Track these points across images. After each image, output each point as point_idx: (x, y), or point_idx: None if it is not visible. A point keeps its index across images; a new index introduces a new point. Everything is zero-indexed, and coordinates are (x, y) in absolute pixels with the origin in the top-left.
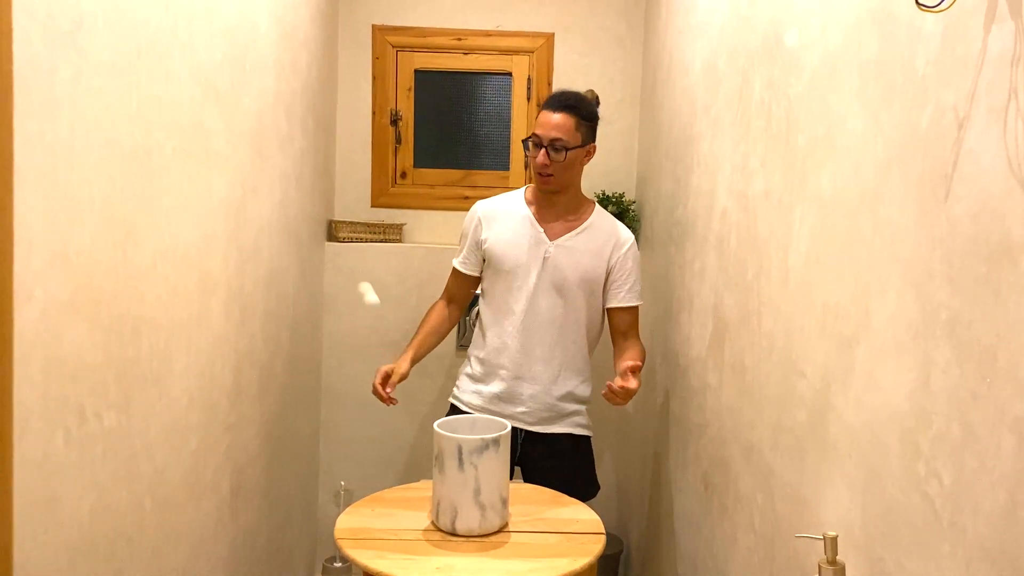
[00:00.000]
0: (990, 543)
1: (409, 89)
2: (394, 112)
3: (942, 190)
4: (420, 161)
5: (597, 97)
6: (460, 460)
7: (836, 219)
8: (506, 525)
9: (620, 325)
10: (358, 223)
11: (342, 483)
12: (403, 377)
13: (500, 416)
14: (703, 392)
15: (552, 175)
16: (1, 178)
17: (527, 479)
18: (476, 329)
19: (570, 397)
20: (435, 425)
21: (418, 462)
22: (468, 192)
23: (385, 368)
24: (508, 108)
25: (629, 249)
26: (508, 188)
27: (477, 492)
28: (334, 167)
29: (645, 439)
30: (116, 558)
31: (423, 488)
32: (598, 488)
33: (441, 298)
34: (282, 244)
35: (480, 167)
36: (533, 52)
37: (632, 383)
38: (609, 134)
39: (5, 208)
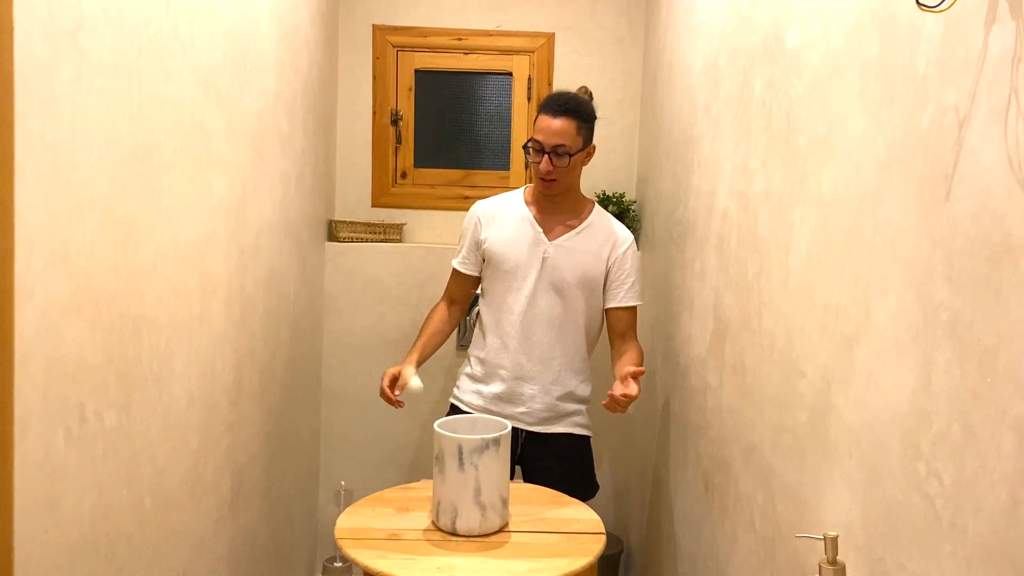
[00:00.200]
0: (991, 543)
1: (409, 89)
2: (394, 112)
3: (943, 190)
4: (420, 161)
5: (590, 93)
6: (460, 460)
7: (837, 219)
8: (506, 525)
9: (618, 326)
10: (358, 223)
11: (342, 483)
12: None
13: (500, 416)
14: (703, 392)
15: (555, 180)
16: (2, 178)
17: (527, 479)
18: (476, 329)
19: (570, 397)
20: (435, 425)
21: (418, 462)
22: (468, 192)
23: (392, 371)
24: (508, 108)
25: (628, 249)
26: (508, 188)
27: (477, 492)
28: (334, 167)
29: (646, 439)
30: (117, 557)
31: (423, 488)
32: (597, 488)
33: (442, 299)
34: (282, 244)
35: (480, 167)
36: (533, 52)
37: (633, 389)
38: (609, 134)
39: (6, 207)
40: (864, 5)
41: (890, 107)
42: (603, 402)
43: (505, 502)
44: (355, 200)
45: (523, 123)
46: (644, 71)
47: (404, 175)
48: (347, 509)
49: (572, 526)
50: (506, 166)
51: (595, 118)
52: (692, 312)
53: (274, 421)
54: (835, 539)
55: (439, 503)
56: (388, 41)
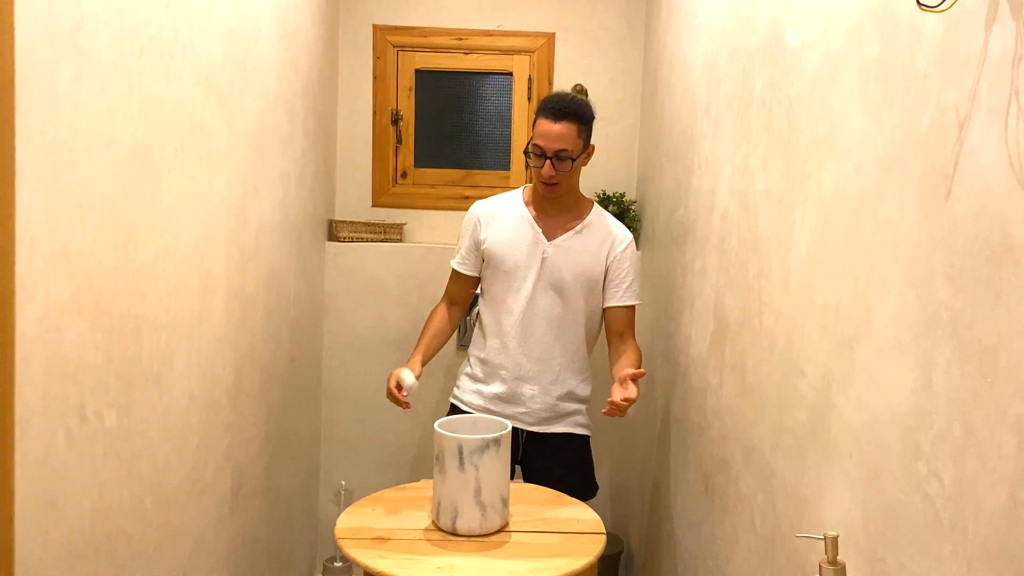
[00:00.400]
0: (991, 543)
1: (410, 89)
2: (395, 112)
3: (943, 190)
4: (421, 161)
5: (585, 90)
6: (461, 460)
7: (837, 219)
8: (507, 525)
9: (616, 325)
10: (359, 223)
11: (342, 482)
12: (417, 379)
13: (501, 416)
14: (704, 392)
15: (558, 184)
16: (3, 178)
17: (527, 479)
18: (476, 329)
19: (570, 396)
20: (436, 425)
21: (419, 462)
22: (469, 192)
23: (398, 372)
24: (509, 108)
25: (627, 248)
26: (509, 188)
27: (478, 492)
28: (335, 167)
29: (646, 439)
30: (117, 557)
31: (424, 488)
32: (597, 488)
33: (442, 301)
34: (283, 244)
35: (481, 167)
36: (534, 52)
37: (632, 391)
38: (610, 134)
39: (7, 207)
40: (864, 5)
41: (890, 107)
42: (603, 410)
43: (505, 502)
44: (355, 200)
45: (523, 123)
46: (644, 71)
47: (404, 175)
48: (347, 509)
49: (572, 526)
50: (506, 166)
51: (594, 118)
52: (692, 312)
53: (274, 421)
54: (835, 539)
55: (439, 503)
56: (388, 41)
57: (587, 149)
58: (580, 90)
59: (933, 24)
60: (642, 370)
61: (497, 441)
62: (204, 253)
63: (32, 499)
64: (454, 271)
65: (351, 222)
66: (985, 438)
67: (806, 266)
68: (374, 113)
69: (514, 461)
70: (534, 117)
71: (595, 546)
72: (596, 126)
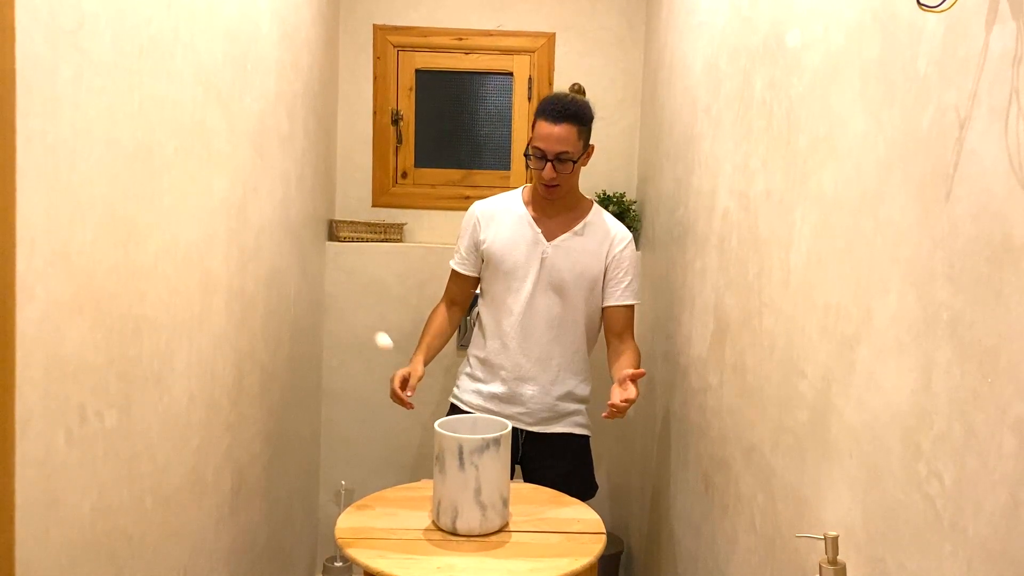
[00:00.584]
0: (991, 543)
1: (410, 89)
2: (395, 112)
3: (943, 190)
4: (421, 161)
5: (583, 89)
6: (461, 460)
7: (837, 219)
8: (507, 525)
9: (615, 325)
10: (359, 223)
11: (343, 482)
12: (420, 378)
13: (500, 416)
14: (704, 392)
15: (558, 185)
16: (3, 177)
17: (527, 479)
18: (476, 329)
19: (569, 397)
20: (436, 425)
21: (419, 462)
22: (469, 192)
23: (401, 372)
24: (509, 108)
25: (626, 248)
26: (509, 188)
27: (478, 492)
28: (335, 167)
29: (646, 439)
30: (117, 557)
31: (424, 488)
32: (596, 488)
33: (442, 301)
34: (283, 244)
35: (481, 167)
36: (534, 52)
37: (632, 392)
38: (610, 134)
39: (7, 207)
40: (865, 5)
41: (891, 107)
42: (603, 414)
43: (505, 502)
44: (356, 200)
45: (524, 123)
46: (645, 71)
47: (405, 175)
48: (347, 509)
49: (572, 526)
50: (507, 166)
51: (593, 118)
52: (692, 312)
53: (274, 421)
54: (835, 539)
55: (439, 503)
56: (389, 41)
57: (587, 150)
58: (578, 89)
59: (933, 24)
60: (641, 370)
61: (497, 441)
62: (204, 253)
63: (32, 498)
64: (454, 271)
65: (351, 222)
66: (985, 438)
67: (806, 266)
68: (374, 113)
69: (513, 461)
70: (533, 119)
71: (595, 546)
72: (596, 126)
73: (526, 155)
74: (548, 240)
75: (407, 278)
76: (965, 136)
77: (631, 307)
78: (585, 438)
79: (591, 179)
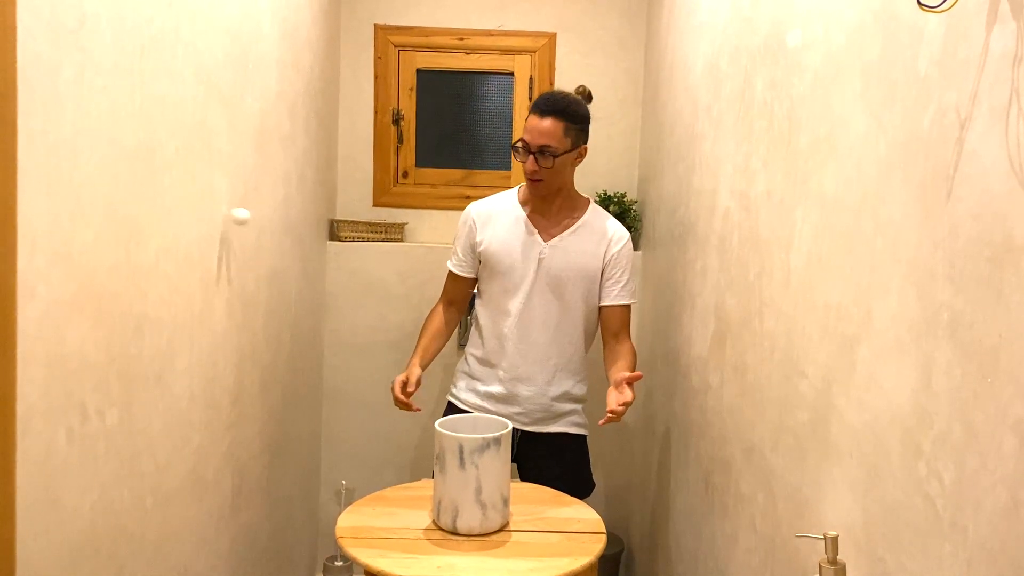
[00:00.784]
0: (991, 543)
1: (411, 88)
2: (396, 111)
3: (944, 191)
4: (422, 160)
5: (589, 93)
6: (461, 459)
7: (838, 219)
8: (507, 524)
9: (611, 324)
10: (360, 222)
11: (343, 482)
12: (419, 381)
13: (497, 415)
14: (704, 392)
15: (542, 180)
16: (5, 176)
17: (523, 477)
18: (473, 328)
19: (566, 397)
20: (436, 424)
21: (419, 461)
22: (470, 192)
23: (400, 378)
24: (510, 108)
25: (623, 247)
26: (510, 188)
27: (478, 491)
28: (336, 166)
29: (646, 439)
30: (118, 555)
31: (424, 487)
32: (593, 486)
33: (440, 302)
34: (284, 243)
35: (482, 167)
36: (535, 52)
37: (628, 395)
38: (611, 134)
39: (8, 206)
40: (865, 5)
41: (891, 107)
42: (600, 421)
43: (506, 501)
44: (356, 199)
45: (524, 123)
46: (646, 71)
47: (405, 175)
48: (348, 508)
49: (573, 526)
50: (507, 166)
51: (587, 119)
52: (693, 312)
53: (275, 420)
54: (835, 539)
55: (440, 502)
56: (390, 41)
57: (577, 149)
58: (582, 91)
59: (934, 24)
60: (638, 373)
61: (498, 440)
62: (205, 252)
63: (33, 497)
64: (451, 273)
65: (352, 222)
66: (985, 438)
67: (807, 266)
68: (375, 113)
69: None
70: (528, 114)
71: (595, 546)
72: (597, 126)
73: (514, 147)
74: (545, 240)
75: (408, 278)
76: (966, 136)
77: (628, 307)
78: (582, 437)
79: (592, 179)
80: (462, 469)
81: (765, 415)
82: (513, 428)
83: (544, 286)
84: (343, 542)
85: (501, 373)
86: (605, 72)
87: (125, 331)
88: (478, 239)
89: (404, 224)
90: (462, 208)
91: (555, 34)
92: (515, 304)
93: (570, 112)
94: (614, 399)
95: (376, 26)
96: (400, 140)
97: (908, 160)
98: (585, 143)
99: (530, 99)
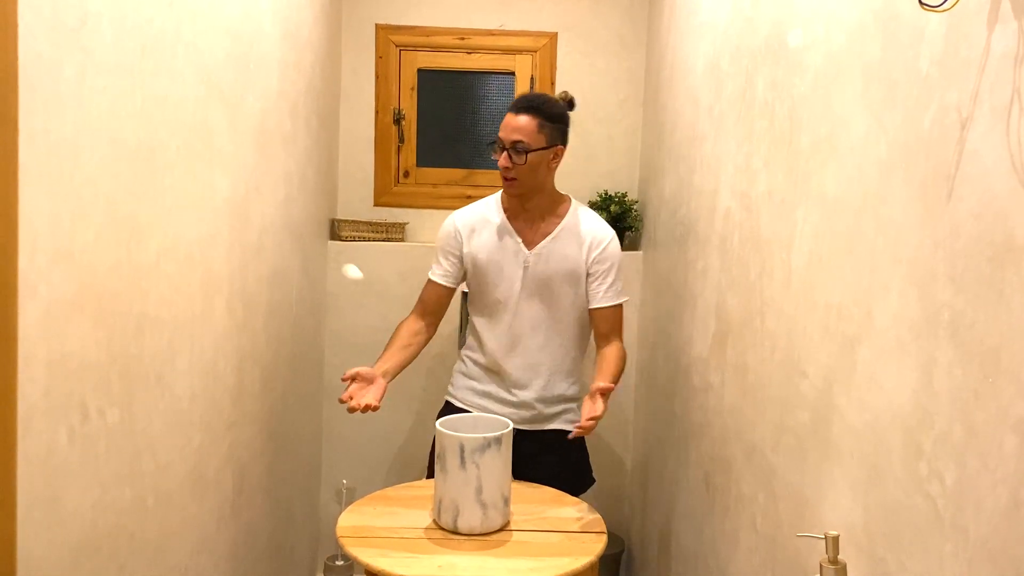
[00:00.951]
0: (992, 543)
1: (412, 88)
2: (397, 111)
3: (945, 190)
4: (423, 160)
5: (572, 99)
6: (462, 459)
7: (839, 219)
8: (508, 524)
9: (601, 326)
10: (361, 222)
11: (344, 481)
12: (376, 381)
13: (494, 414)
14: (705, 392)
15: (515, 179)
16: (6, 175)
17: (518, 472)
18: (468, 331)
19: (560, 399)
20: (437, 424)
21: (420, 461)
22: (471, 191)
23: (356, 370)
24: None
25: (606, 247)
26: None
27: (479, 491)
28: (337, 166)
29: (647, 439)
30: (119, 555)
31: (425, 486)
32: (593, 481)
33: (413, 312)
34: (285, 243)
35: (482, 166)
36: (536, 52)
37: (599, 409)
38: (612, 134)
39: (10, 205)
40: (866, 5)
41: (892, 107)
42: (568, 435)
43: (507, 501)
44: (357, 199)
45: None
46: (647, 71)
47: (406, 174)
48: (349, 507)
49: (573, 525)
50: None
51: (564, 120)
52: (694, 312)
53: (276, 419)
54: (836, 539)
55: (440, 501)
56: (391, 40)
57: (553, 148)
58: (564, 97)
59: (935, 24)
60: (610, 384)
61: (498, 440)
62: (207, 252)
63: (34, 496)
64: (431, 283)
65: (353, 221)
66: (986, 438)
67: (808, 266)
68: (376, 112)
69: None
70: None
71: (596, 545)
72: (598, 126)
73: (490, 146)
74: (528, 248)
75: (409, 277)
76: (967, 136)
77: (617, 307)
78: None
79: (593, 179)
80: (463, 468)
81: (766, 415)
82: None
83: (533, 294)
84: (344, 541)
85: (496, 379)
86: (606, 72)
87: (126, 330)
88: (465, 251)
89: (405, 224)
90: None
91: (556, 34)
92: (506, 313)
93: (545, 110)
94: (586, 411)
95: (377, 26)
96: (401, 140)
97: (909, 160)
98: (563, 144)
99: None
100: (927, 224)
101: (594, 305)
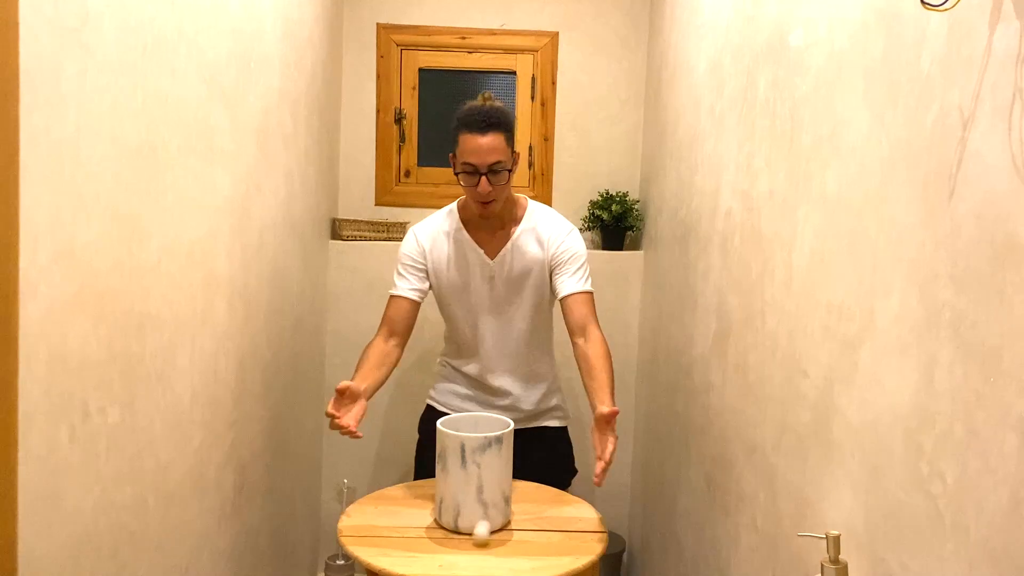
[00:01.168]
0: (993, 543)
1: (413, 88)
2: (398, 110)
3: (947, 190)
4: (424, 159)
5: (493, 98)
6: (463, 458)
7: (840, 219)
8: (508, 523)
9: (575, 317)
10: (362, 221)
11: (345, 481)
12: (359, 394)
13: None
14: (706, 392)
15: (495, 200)
16: (7, 174)
17: None
18: (444, 336)
19: (541, 401)
20: (438, 423)
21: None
22: None
23: (345, 383)
24: (512, 107)
25: (563, 242)
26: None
27: (480, 490)
28: (338, 165)
29: (648, 438)
30: (119, 554)
31: (426, 486)
32: (575, 472)
33: (379, 334)
34: (286, 242)
35: None
36: (537, 51)
37: (608, 449)
38: (613, 134)
39: (11, 204)
40: (868, 5)
41: (894, 107)
42: (595, 481)
43: (507, 500)
44: (358, 198)
45: (526, 122)
46: (648, 70)
47: (408, 174)
48: (349, 507)
49: (574, 525)
50: None
51: (514, 124)
52: (695, 311)
53: (277, 418)
54: (837, 538)
55: (441, 501)
56: (392, 40)
57: (515, 156)
58: (488, 98)
59: (937, 23)
60: (614, 408)
61: (499, 440)
62: (208, 251)
63: (35, 495)
64: (395, 299)
65: (354, 221)
66: (988, 438)
67: (809, 266)
68: (378, 112)
69: None
70: (454, 135)
71: (597, 545)
72: (599, 126)
73: (456, 174)
74: (491, 257)
75: None
76: (968, 136)
77: (588, 295)
78: (562, 428)
79: (594, 179)
80: (464, 468)
81: (767, 414)
82: None
83: (500, 302)
84: (345, 541)
85: (475, 383)
86: (608, 71)
87: (127, 329)
88: (431, 268)
89: (406, 223)
90: None
91: (557, 33)
92: (475, 324)
93: (504, 122)
94: (598, 449)
95: (378, 25)
96: (402, 139)
97: (911, 159)
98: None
99: (532, 99)
100: (928, 224)
101: (565, 293)
